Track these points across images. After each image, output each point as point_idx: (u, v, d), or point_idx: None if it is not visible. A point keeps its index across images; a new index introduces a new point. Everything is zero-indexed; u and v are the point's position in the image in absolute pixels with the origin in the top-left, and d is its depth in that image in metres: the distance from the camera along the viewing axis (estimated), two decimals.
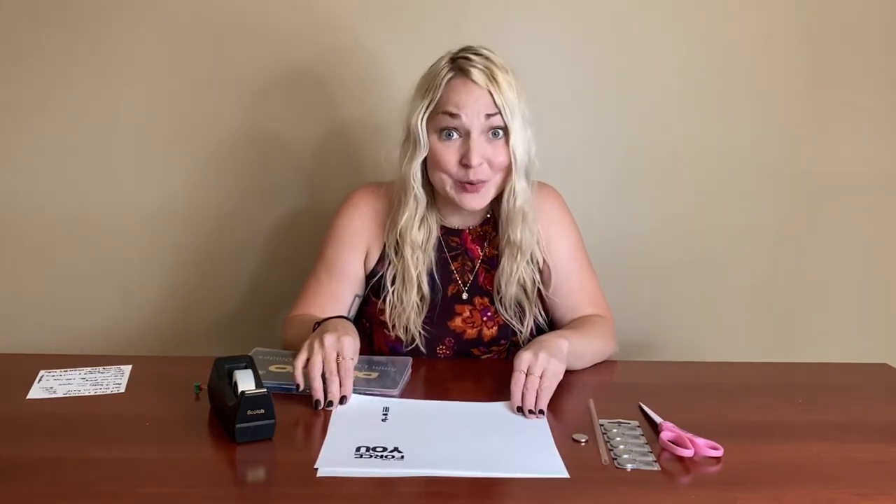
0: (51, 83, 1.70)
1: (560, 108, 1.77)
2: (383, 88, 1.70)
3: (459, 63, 1.26)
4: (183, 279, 1.81)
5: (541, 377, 1.12)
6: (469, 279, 1.37)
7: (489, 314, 1.36)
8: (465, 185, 1.26)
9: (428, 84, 1.27)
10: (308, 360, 1.11)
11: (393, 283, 1.34)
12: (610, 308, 1.43)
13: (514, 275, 1.34)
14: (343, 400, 1.10)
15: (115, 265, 1.79)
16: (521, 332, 1.36)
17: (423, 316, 1.33)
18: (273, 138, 1.76)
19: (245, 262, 1.81)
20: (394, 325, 1.33)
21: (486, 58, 1.26)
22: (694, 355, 1.75)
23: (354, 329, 1.19)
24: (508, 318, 1.35)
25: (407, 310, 1.32)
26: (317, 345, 1.11)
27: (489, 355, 1.37)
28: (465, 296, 1.37)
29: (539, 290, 1.37)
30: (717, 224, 1.85)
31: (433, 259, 1.35)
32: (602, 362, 1.34)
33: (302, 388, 1.11)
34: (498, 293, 1.35)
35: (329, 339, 1.11)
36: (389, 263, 1.35)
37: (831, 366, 1.43)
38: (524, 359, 1.14)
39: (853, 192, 1.85)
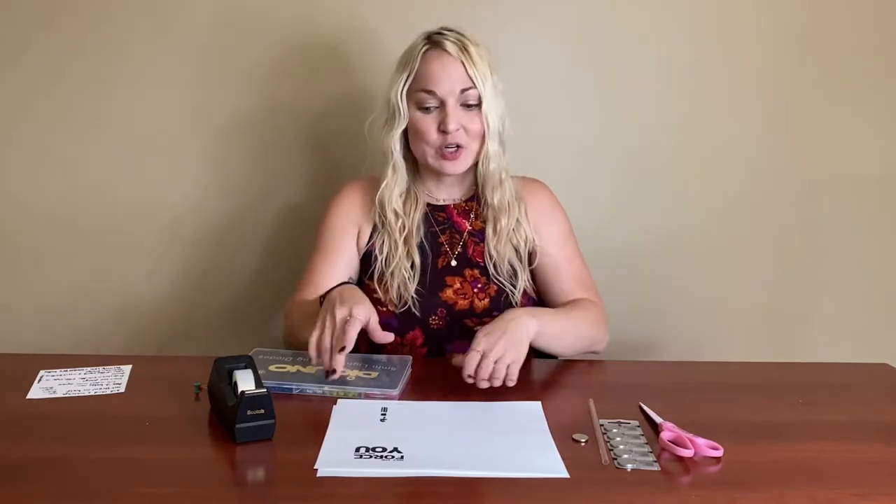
0: (48, 82, 1.70)
1: (562, 111, 1.77)
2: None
3: (434, 38, 1.36)
4: (183, 278, 1.81)
5: (496, 362, 1.13)
6: (458, 251, 1.41)
7: (479, 286, 1.39)
8: (445, 153, 1.34)
9: (406, 58, 1.38)
10: (320, 335, 1.12)
11: (381, 251, 1.39)
12: (599, 294, 1.44)
13: (504, 237, 1.38)
14: (342, 351, 1.10)
15: (115, 265, 1.79)
16: (513, 294, 1.38)
17: (415, 283, 1.36)
18: (268, 134, 1.76)
19: (245, 261, 1.81)
20: (386, 291, 1.36)
21: (459, 33, 1.36)
22: (694, 355, 1.74)
23: (361, 292, 1.20)
24: (503, 282, 1.38)
25: (397, 277, 1.36)
26: (328, 320, 1.13)
27: (482, 327, 1.38)
28: (454, 263, 1.40)
29: (529, 259, 1.41)
30: (718, 224, 1.85)
31: (423, 232, 1.40)
32: (602, 362, 1.34)
33: (315, 361, 1.13)
34: (491, 259, 1.39)
35: (340, 313, 1.12)
36: (378, 235, 1.40)
37: (831, 366, 1.43)
38: (482, 342, 1.15)
39: (853, 193, 1.85)
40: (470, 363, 1.14)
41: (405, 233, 1.39)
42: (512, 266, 1.40)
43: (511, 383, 1.15)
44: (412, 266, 1.37)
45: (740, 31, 1.76)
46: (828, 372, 1.38)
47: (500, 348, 1.15)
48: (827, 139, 1.82)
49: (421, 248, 1.39)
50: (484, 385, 1.14)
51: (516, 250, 1.40)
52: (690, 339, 1.86)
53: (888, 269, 1.89)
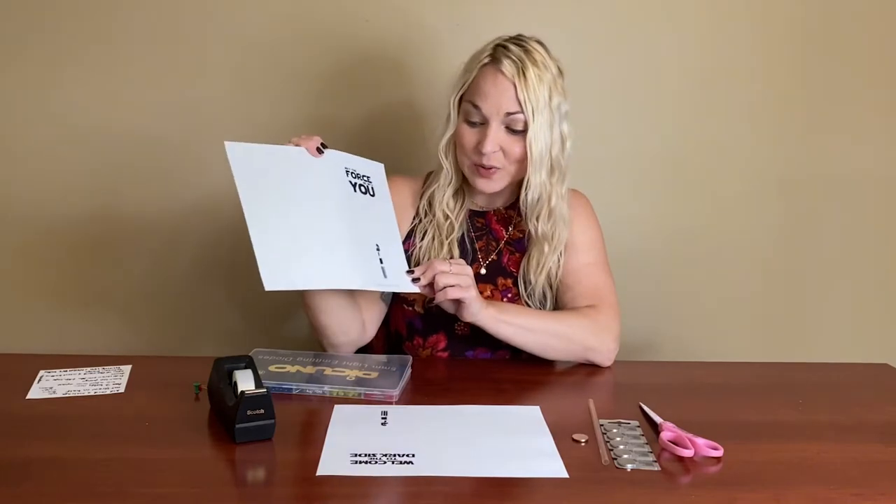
0: (55, 82, 1.71)
1: None
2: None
3: (498, 51, 1.29)
4: (183, 279, 1.81)
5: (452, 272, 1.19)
6: (492, 259, 1.39)
7: (510, 296, 1.37)
8: (479, 169, 1.31)
9: (468, 65, 1.33)
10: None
11: (423, 238, 1.38)
12: (616, 308, 1.36)
13: (544, 267, 1.36)
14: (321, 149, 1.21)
15: (115, 265, 1.79)
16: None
17: None
18: (275, 137, 1.76)
19: (245, 261, 1.81)
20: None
21: (526, 50, 1.28)
22: (693, 355, 1.75)
23: None
24: (529, 305, 1.36)
25: None
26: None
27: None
28: (483, 271, 1.38)
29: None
30: (717, 225, 1.85)
31: (460, 236, 1.39)
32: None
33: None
34: (527, 285, 1.37)
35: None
36: (420, 222, 1.40)
37: (831, 366, 1.43)
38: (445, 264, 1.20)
39: (852, 193, 1.85)
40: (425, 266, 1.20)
41: (451, 234, 1.37)
42: (543, 292, 1.38)
43: (440, 296, 1.19)
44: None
45: (736, 33, 1.76)
46: (828, 372, 1.38)
47: (454, 276, 1.19)
48: (825, 139, 1.82)
49: (461, 250, 1.38)
50: (419, 280, 1.20)
51: (549, 278, 1.38)
52: (690, 339, 1.87)
53: (887, 269, 1.89)
